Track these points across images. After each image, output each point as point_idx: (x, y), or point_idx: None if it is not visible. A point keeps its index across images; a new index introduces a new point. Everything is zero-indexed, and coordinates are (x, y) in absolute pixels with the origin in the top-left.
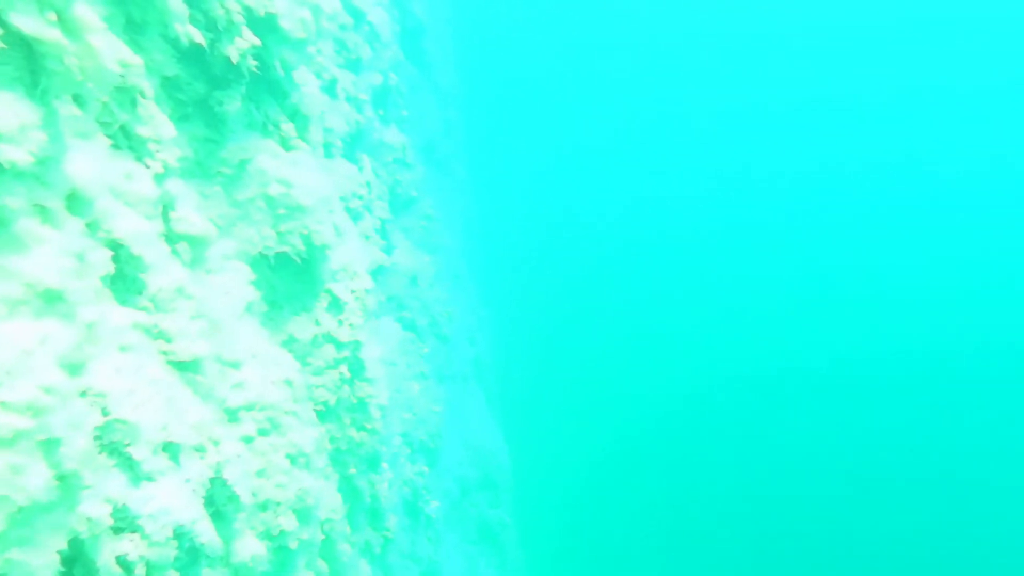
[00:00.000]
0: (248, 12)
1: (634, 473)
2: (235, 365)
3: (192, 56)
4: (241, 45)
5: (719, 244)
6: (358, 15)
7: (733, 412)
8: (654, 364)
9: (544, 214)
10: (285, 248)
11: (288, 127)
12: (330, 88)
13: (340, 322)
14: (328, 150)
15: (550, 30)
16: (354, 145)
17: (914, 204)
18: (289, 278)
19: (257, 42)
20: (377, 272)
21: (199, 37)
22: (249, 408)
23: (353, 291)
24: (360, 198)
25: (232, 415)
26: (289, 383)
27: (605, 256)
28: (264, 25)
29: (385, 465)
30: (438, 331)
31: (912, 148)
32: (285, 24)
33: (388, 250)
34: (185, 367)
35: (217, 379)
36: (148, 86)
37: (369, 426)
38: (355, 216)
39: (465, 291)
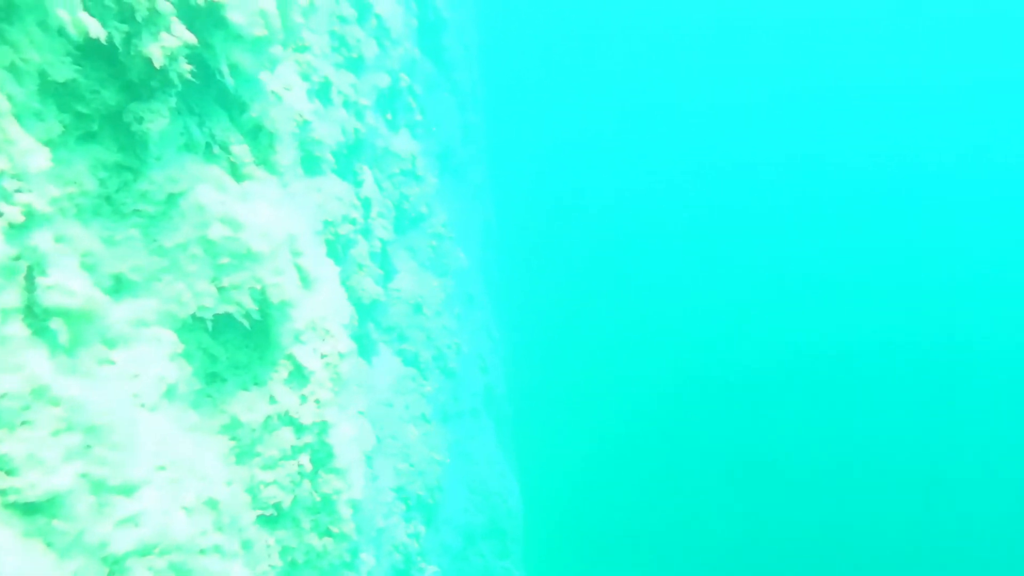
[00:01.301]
0: (181, 0)
1: (660, 514)
2: (127, 490)
3: (98, 55)
4: (168, 43)
5: (753, 255)
6: (363, 7)
7: (770, 444)
8: (686, 392)
9: (566, 221)
10: (229, 308)
11: (242, 149)
12: (323, 92)
13: (303, 398)
14: (315, 166)
15: (578, 29)
16: (351, 157)
17: (920, 197)
18: (235, 343)
19: (191, 39)
20: (370, 308)
21: (98, 29)
22: (143, 553)
23: (323, 356)
24: (352, 222)
25: (115, 568)
26: (212, 504)
27: (631, 267)
28: (205, 18)
29: (365, 556)
30: (444, 365)
31: (918, 141)
32: (234, 17)
33: (388, 276)
34: (34, 510)
35: (92, 518)
36: (16, 93)
37: (336, 529)
38: (345, 244)
39: (478, 312)
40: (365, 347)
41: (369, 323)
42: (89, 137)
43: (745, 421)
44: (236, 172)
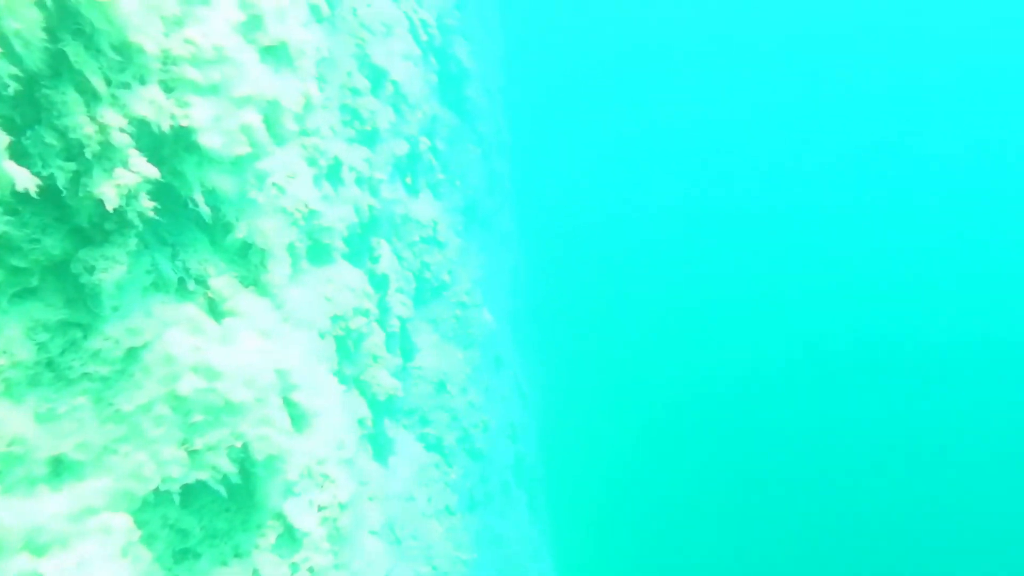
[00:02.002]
0: (141, 128)
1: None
2: None
3: (41, 198)
4: (125, 180)
5: (781, 281)
6: (378, 75)
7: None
8: (727, 444)
9: (596, 261)
10: (202, 474)
11: (222, 282)
12: (333, 173)
13: (294, 567)
14: (324, 255)
15: (603, 65)
16: (367, 234)
17: (933, 196)
18: (213, 508)
19: (153, 173)
20: (387, 403)
21: (27, 180)
22: None
23: (321, 508)
24: (365, 313)
25: None
26: None
27: (664, 308)
28: (173, 144)
29: None
30: (470, 446)
31: (929, 137)
32: (208, 140)
33: (409, 355)
34: None
35: None
36: None
37: None
38: (357, 339)
39: (507, 375)
40: (381, 447)
41: (385, 419)
42: (27, 294)
43: (791, 480)
44: (215, 309)
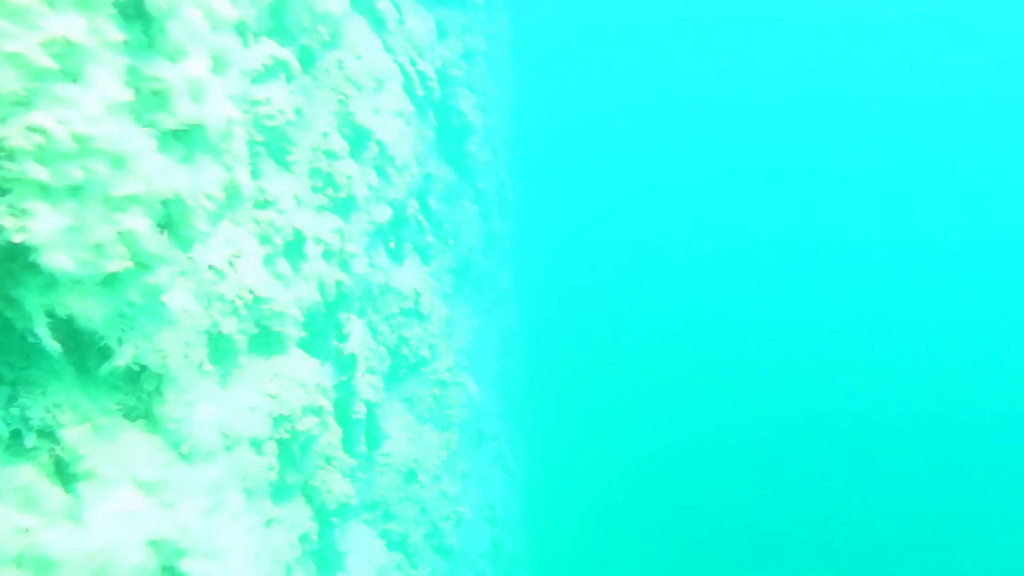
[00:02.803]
0: None
1: None
2: None
3: None
4: None
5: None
6: (360, 136)
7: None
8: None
9: (599, 325)
10: None
11: (79, 432)
12: (293, 249)
13: None
14: (274, 345)
15: (617, 127)
16: (332, 314)
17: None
18: None
19: None
20: (339, 511)
21: None
22: None
23: None
24: (317, 412)
25: None
26: None
27: (670, 371)
28: (7, 262)
29: None
30: (439, 542)
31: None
32: (54, 260)
33: (375, 443)
34: None
35: None
36: None
37: None
38: (305, 443)
39: (489, 451)
40: (327, 563)
41: (335, 529)
42: None
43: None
44: (64, 470)
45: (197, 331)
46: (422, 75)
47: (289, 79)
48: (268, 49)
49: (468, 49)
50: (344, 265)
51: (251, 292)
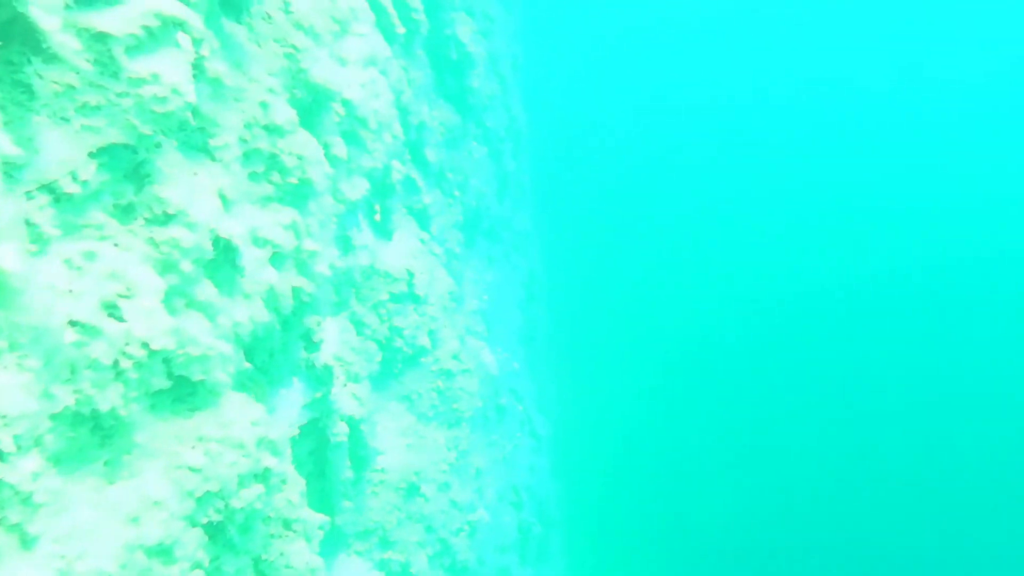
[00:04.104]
0: None
1: None
2: None
3: None
4: None
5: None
6: (319, 98)
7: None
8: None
9: (624, 259)
10: None
11: None
12: (219, 266)
13: None
14: (191, 402)
15: (640, 44)
16: (293, 327)
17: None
18: None
19: None
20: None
21: None
22: None
23: None
24: (263, 477)
25: None
26: None
27: (700, 315)
28: None
29: None
30: (452, 561)
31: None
32: None
33: (362, 464)
34: None
35: None
36: None
37: None
38: (247, 519)
39: (512, 425)
40: None
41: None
42: None
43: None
44: None
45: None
46: (405, 6)
47: (198, 44)
48: (148, 6)
49: None
50: (302, 267)
51: (145, 345)
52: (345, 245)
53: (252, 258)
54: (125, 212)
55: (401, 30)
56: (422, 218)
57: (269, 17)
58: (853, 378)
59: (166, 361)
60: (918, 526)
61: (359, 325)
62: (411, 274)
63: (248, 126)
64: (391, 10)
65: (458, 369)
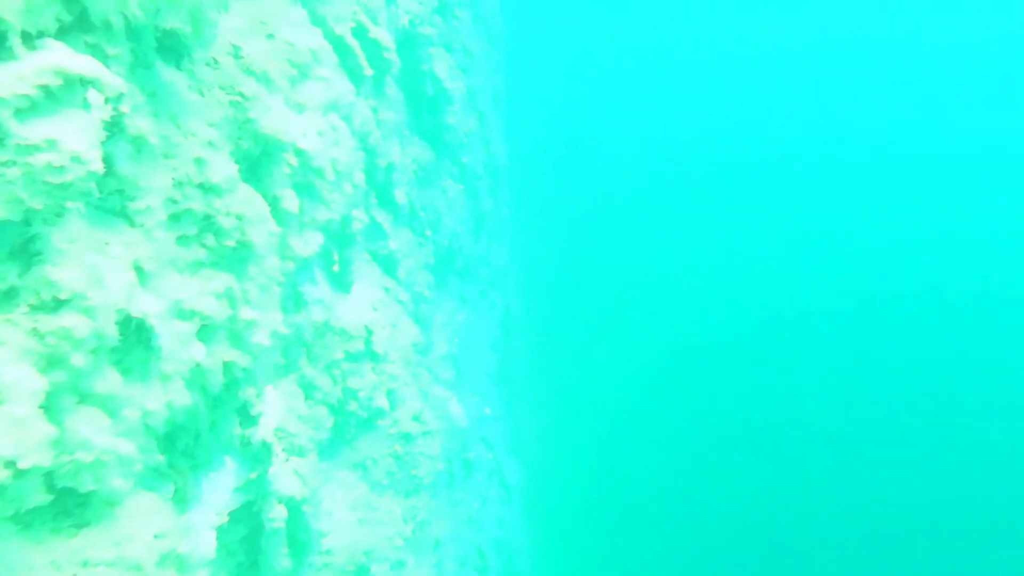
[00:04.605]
0: None
1: None
2: None
3: None
4: None
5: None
6: (269, 149)
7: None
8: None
9: (604, 290)
10: None
11: None
12: (126, 350)
13: None
14: (86, 514)
15: (616, 72)
16: (225, 403)
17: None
18: None
19: None
20: None
21: None
22: None
23: None
24: (187, 571)
25: None
26: None
27: (683, 347)
28: None
29: None
30: None
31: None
32: None
33: (302, 551)
34: None
35: None
36: None
37: None
38: None
39: (480, 480)
40: None
41: None
42: None
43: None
44: None
45: None
46: (373, 45)
47: (116, 100)
48: (47, 63)
49: (444, 1)
50: (237, 339)
51: (10, 465)
52: (296, 302)
53: (173, 335)
54: (5, 299)
55: (369, 72)
56: (388, 264)
57: (215, 63)
58: (834, 404)
59: (47, 475)
60: (905, 533)
61: (309, 389)
62: (369, 331)
63: (179, 185)
64: (358, 51)
65: (419, 431)
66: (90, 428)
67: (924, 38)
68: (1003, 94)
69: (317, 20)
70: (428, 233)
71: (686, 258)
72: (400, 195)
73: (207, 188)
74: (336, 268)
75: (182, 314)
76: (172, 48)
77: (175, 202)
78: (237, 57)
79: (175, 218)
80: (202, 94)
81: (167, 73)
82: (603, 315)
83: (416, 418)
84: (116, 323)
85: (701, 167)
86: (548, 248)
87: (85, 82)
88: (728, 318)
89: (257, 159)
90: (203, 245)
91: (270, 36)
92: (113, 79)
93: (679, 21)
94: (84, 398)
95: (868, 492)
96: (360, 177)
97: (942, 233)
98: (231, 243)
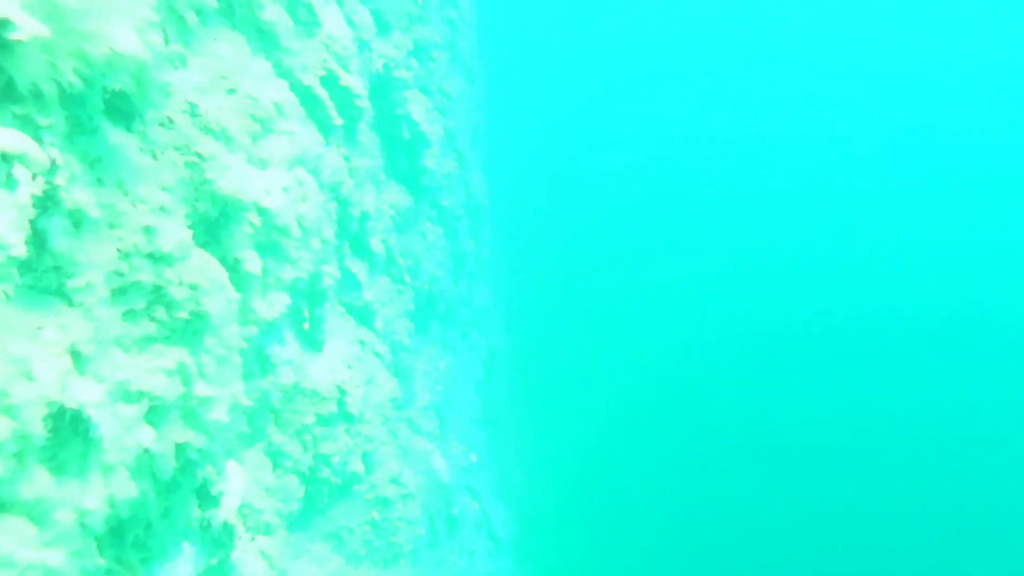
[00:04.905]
0: None
1: None
2: None
3: None
4: None
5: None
6: (228, 211)
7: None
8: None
9: (590, 323)
10: None
11: None
12: (59, 445)
13: None
14: None
15: (598, 104)
16: (181, 486)
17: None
18: None
19: None
20: None
21: None
22: None
23: None
24: None
25: None
26: None
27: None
28: None
29: None
30: None
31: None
32: None
33: None
34: None
35: None
36: None
37: None
38: None
39: (466, 536)
40: None
41: None
42: None
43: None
44: None
45: None
46: (344, 93)
47: (49, 173)
48: None
49: (419, 43)
50: (191, 418)
51: None
52: (263, 365)
53: (116, 422)
54: None
55: (339, 121)
56: (363, 316)
57: (170, 122)
58: (822, 416)
59: None
60: (897, 535)
61: (277, 457)
62: (343, 391)
63: (125, 257)
64: (328, 102)
65: (397, 494)
66: (12, 541)
67: (923, 48)
68: (1003, 96)
69: (283, 72)
70: (407, 279)
71: (671, 293)
72: (376, 243)
73: (157, 258)
74: (306, 326)
75: (127, 396)
76: (122, 110)
77: (121, 275)
78: (194, 115)
79: (121, 292)
80: (155, 156)
81: (116, 136)
82: (589, 350)
83: (395, 480)
84: (46, 418)
85: (685, 201)
86: (532, 284)
87: (8, 158)
88: (716, 356)
89: (216, 221)
90: (153, 319)
91: (231, 91)
92: (42, 153)
93: (662, 54)
94: (5, 507)
95: (857, 499)
96: (330, 231)
97: (938, 240)
98: (183, 315)
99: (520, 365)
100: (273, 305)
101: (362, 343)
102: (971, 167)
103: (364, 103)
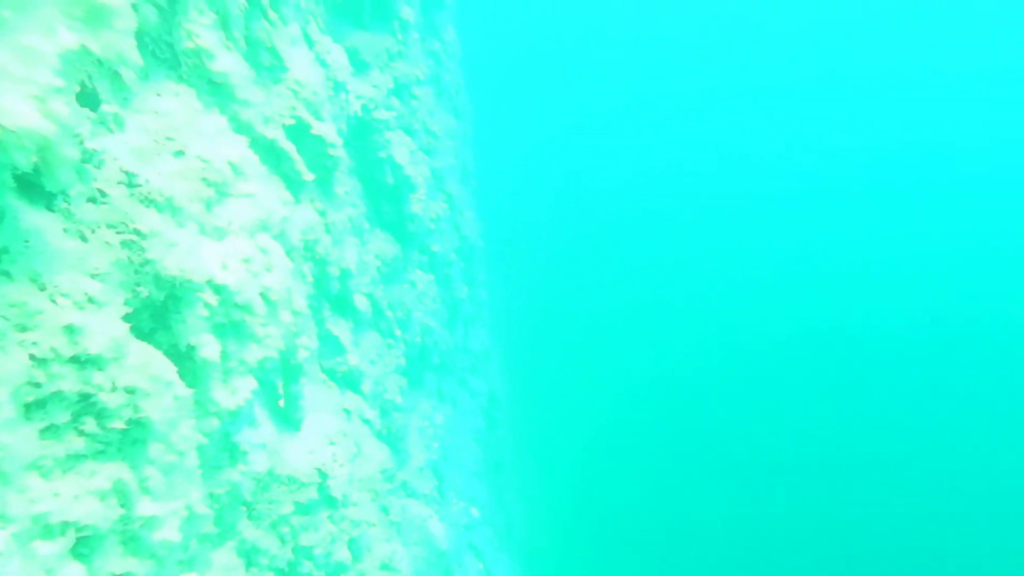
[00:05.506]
0: None
1: None
2: None
3: None
4: None
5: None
6: (177, 295)
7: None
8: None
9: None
10: None
11: None
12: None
13: None
14: None
15: (594, 128)
16: None
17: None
18: None
19: None
20: None
21: None
22: None
23: None
24: None
25: None
26: None
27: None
28: None
29: None
30: None
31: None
32: None
33: None
34: None
35: None
36: None
37: None
38: None
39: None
40: None
41: None
42: None
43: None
44: None
45: None
46: (316, 143)
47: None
48: None
49: (400, 80)
50: (133, 544)
51: None
52: (231, 455)
53: (33, 562)
54: None
55: (309, 176)
56: (349, 380)
57: (102, 196)
58: (812, 434)
59: None
60: (889, 542)
61: (251, 555)
62: (323, 474)
63: (42, 364)
64: (295, 155)
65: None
66: None
67: (921, 57)
68: (1000, 104)
69: (240, 126)
70: (397, 333)
71: (672, 325)
72: (360, 300)
73: (83, 361)
74: (282, 403)
75: (47, 532)
76: (41, 187)
77: (37, 386)
78: (132, 186)
79: (37, 407)
80: (83, 238)
81: (33, 218)
82: (590, 388)
83: (386, 566)
84: None
85: (683, 229)
86: (531, 322)
87: None
88: (717, 389)
89: (163, 306)
90: (81, 433)
91: (178, 153)
92: None
93: (655, 81)
94: None
95: (855, 507)
96: (302, 300)
97: (935, 250)
98: (119, 424)
99: (521, 406)
100: (236, 392)
101: (347, 412)
102: (969, 175)
103: (339, 152)
